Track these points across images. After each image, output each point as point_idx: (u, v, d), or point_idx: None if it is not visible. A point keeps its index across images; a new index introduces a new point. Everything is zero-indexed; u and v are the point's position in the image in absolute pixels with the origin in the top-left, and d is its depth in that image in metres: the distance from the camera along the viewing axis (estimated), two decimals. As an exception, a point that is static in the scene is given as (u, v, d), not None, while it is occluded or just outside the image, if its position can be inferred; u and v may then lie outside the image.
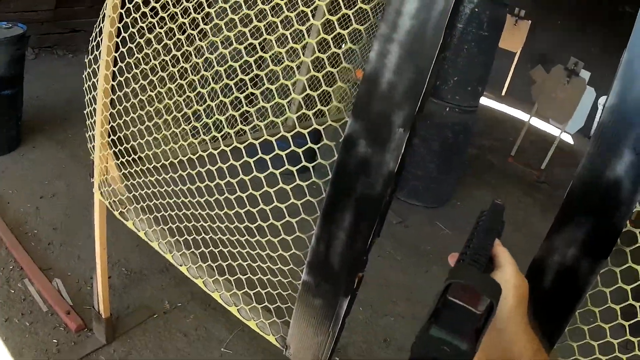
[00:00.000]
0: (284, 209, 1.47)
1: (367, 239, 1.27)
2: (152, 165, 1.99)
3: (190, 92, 1.76)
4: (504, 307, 0.85)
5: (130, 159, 2.09)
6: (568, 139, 8.86)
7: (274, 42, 1.47)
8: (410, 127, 1.12)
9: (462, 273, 0.82)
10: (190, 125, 1.76)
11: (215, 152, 1.66)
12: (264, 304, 1.75)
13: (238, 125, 1.60)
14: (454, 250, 0.93)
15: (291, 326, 1.58)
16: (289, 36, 1.40)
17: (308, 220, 1.41)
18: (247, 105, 1.60)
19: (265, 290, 1.70)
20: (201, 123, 1.74)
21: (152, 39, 1.80)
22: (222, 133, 1.66)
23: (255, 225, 1.61)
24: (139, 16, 1.81)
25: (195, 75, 1.73)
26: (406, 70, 1.09)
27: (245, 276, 1.73)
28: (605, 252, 1.06)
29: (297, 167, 1.39)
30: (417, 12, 1.05)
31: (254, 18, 1.50)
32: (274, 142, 1.48)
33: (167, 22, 1.75)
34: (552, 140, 7.25)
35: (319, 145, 1.40)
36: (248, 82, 1.52)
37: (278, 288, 1.65)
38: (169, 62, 1.78)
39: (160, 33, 1.77)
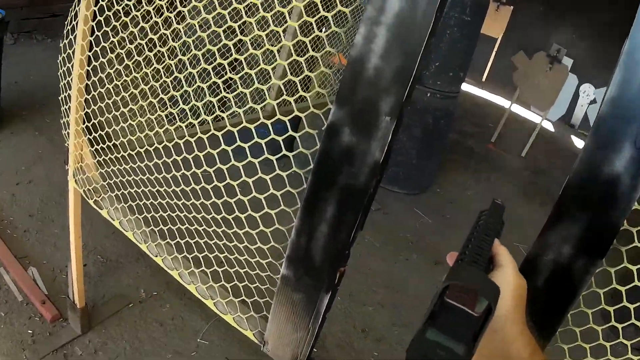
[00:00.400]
0: (263, 200, 1.41)
1: (350, 232, 1.22)
2: (127, 152, 1.94)
3: (167, 77, 1.70)
4: (502, 308, 0.83)
5: (105, 146, 2.03)
6: (549, 126, 8.90)
7: (254, 24, 1.41)
8: (398, 115, 1.07)
9: (460, 274, 0.79)
10: (166, 111, 1.71)
11: (192, 140, 1.61)
12: (241, 298, 1.70)
13: (216, 111, 1.54)
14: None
15: (269, 321, 1.54)
16: (269, 19, 1.35)
17: (288, 211, 1.35)
18: (225, 91, 1.54)
19: (243, 284, 1.65)
20: (178, 109, 1.68)
21: (129, 22, 1.74)
22: (200, 119, 1.60)
23: (232, 216, 1.55)
24: (116, -2, 1.75)
25: (172, 60, 1.67)
26: (394, 55, 1.04)
27: (222, 269, 1.69)
28: (601, 252, 1.02)
29: (277, 155, 1.34)
30: (407, -6, 1.00)
31: (233, 0, 1.44)
32: (253, 129, 1.43)
33: (145, 4, 1.68)
34: (533, 127, 7.28)
35: (300, 133, 1.34)
36: (227, 66, 1.47)
37: (256, 282, 1.59)
38: (145, 45, 1.72)
39: (137, 16, 1.71)
